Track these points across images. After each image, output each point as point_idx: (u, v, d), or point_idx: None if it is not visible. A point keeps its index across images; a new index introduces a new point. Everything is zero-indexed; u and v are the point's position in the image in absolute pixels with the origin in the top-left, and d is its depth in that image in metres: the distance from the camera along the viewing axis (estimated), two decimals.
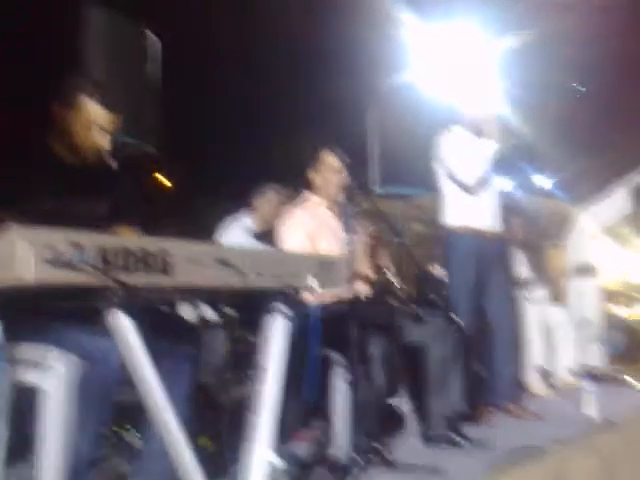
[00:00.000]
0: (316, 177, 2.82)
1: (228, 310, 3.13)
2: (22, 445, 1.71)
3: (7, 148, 2.00)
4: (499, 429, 3.05)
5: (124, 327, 1.56)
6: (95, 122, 1.94)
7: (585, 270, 4.37)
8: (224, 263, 1.74)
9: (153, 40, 3.08)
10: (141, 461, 1.91)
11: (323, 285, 1.94)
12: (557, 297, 4.47)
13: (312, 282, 1.91)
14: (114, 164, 2.86)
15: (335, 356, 2.46)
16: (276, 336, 1.84)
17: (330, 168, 2.76)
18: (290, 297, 1.85)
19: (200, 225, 4.17)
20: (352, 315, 2.18)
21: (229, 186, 4.00)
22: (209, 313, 3.24)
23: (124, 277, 1.52)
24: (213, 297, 2.07)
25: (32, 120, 2.08)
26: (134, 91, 2.97)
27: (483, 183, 3.31)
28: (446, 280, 3.55)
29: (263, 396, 1.76)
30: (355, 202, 2.49)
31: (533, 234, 4.87)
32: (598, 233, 5.06)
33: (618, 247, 5.65)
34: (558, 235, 5.49)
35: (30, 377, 1.79)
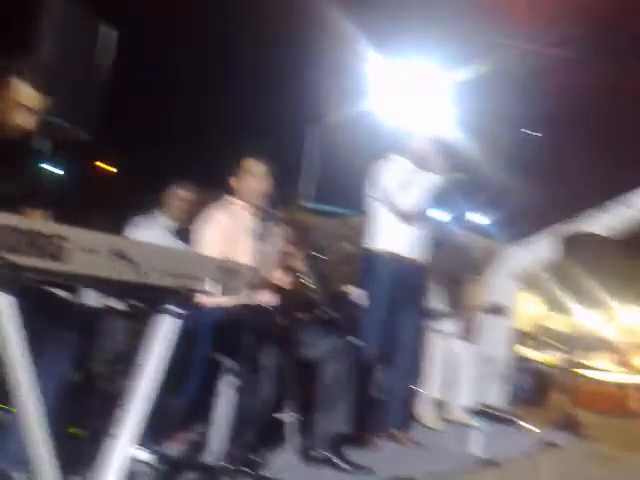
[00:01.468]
0: (237, 182, 2.94)
1: (132, 302, 3.19)
2: None
3: None
4: (381, 455, 3.20)
5: (3, 305, 1.61)
6: (21, 102, 2.01)
7: (497, 309, 4.65)
8: (119, 255, 1.81)
9: (108, 31, 3.18)
10: (3, 438, 1.95)
11: (222, 290, 2.02)
12: (466, 332, 4.72)
13: (210, 286, 2.00)
14: (40, 145, 2.91)
15: (225, 361, 2.57)
16: (161, 334, 1.91)
17: (251, 173, 2.89)
18: (183, 297, 1.92)
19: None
20: (249, 322, 2.28)
21: (164, 184, 4.06)
22: (110, 302, 3.30)
23: (11, 256, 1.58)
24: (115, 287, 2.11)
25: None
26: (80, 78, 3.06)
27: (419, 213, 3.49)
28: (358, 301, 3.72)
29: (134, 392, 1.83)
30: (275, 210, 2.61)
31: (458, 268, 5.12)
32: (516, 274, 5.38)
33: (535, 290, 6.01)
34: (480, 271, 5.78)
35: None
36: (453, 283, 4.80)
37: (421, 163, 3.51)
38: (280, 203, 2.71)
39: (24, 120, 2.04)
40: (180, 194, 3.92)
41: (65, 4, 2.93)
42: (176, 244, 3.71)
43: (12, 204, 2.02)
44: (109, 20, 3.23)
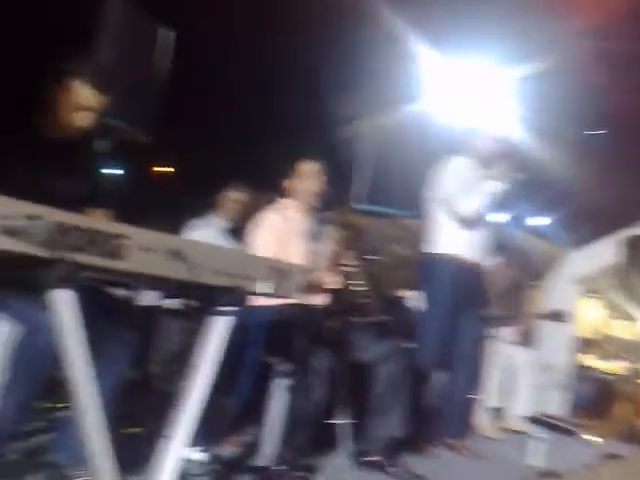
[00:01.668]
0: (291, 183, 2.94)
1: (187, 301, 3.24)
2: None
3: None
4: (437, 464, 3.14)
5: (64, 303, 1.65)
6: (81, 103, 2.09)
7: (558, 315, 4.49)
8: (175, 254, 1.85)
9: (165, 33, 3.26)
10: (64, 436, 2.01)
11: (274, 290, 2.02)
12: (526, 339, 4.58)
13: (263, 286, 2.00)
14: (99, 146, 3.00)
15: (277, 363, 2.57)
16: (214, 334, 1.93)
17: (304, 174, 2.89)
18: (236, 297, 1.92)
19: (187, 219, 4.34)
20: (301, 324, 2.27)
21: (219, 186, 4.14)
22: (166, 302, 3.36)
23: (72, 254, 1.61)
24: (170, 286, 2.14)
25: (27, 97, 2.22)
26: (139, 80, 3.15)
27: (480, 217, 3.39)
28: (412, 306, 3.67)
29: (189, 393, 1.84)
30: (328, 211, 2.60)
31: (519, 272, 4.98)
32: (578, 279, 5.19)
33: (597, 296, 5.79)
34: (540, 277, 5.60)
35: None
36: (516, 287, 4.66)
37: (484, 164, 3.40)
38: (332, 204, 2.69)
39: (84, 121, 2.12)
40: (234, 196, 3.99)
41: (124, 6, 3.01)
42: (230, 245, 3.76)
43: (74, 204, 2.10)
44: (165, 21, 3.29)
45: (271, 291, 2.01)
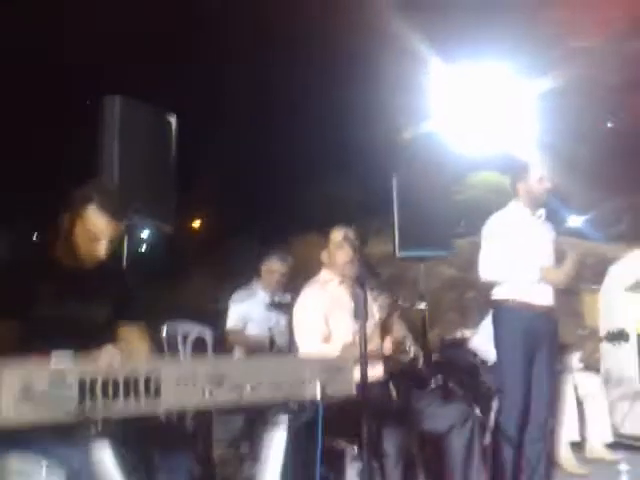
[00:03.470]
0: (325, 254, 2.71)
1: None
2: None
3: (13, 256, 2.12)
4: None
5: (103, 453, 1.52)
6: (97, 232, 1.94)
7: (618, 336, 3.99)
8: (218, 380, 1.65)
9: (168, 118, 3.05)
10: None
11: (329, 391, 1.83)
12: (589, 361, 4.16)
13: (316, 390, 1.80)
14: (117, 266, 2.78)
15: (346, 447, 2.32)
16: (274, 448, 1.78)
17: (335, 244, 2.65)
18: (289, 409, 1.77)
19: (230, 268, 4.22)
20: (363, 403, 2.00)
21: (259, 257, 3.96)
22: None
23: (106, 407, 1.45)
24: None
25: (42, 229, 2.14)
26: (154, 173, 2.95)
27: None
28: (476, 348, 3.41)
29: None
30: (368, 276, 2.34)
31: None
32: (632, 286, 4.72)
33: None
34: (593, 279, 5.17)
35: None
36: (567, 294, 4.22)
37: (536, 204, 3.13)
38: (367, 268, 2.42)
39: (101, 250, 1.96)
40: (275, 266, 3.83)
41: (121, 106, 2.77)
42: (273, 316, 3.65)
43: (101, 328, 1.98)
44: (168, 107, 3.08)
45: (325, 391, 1.81)
